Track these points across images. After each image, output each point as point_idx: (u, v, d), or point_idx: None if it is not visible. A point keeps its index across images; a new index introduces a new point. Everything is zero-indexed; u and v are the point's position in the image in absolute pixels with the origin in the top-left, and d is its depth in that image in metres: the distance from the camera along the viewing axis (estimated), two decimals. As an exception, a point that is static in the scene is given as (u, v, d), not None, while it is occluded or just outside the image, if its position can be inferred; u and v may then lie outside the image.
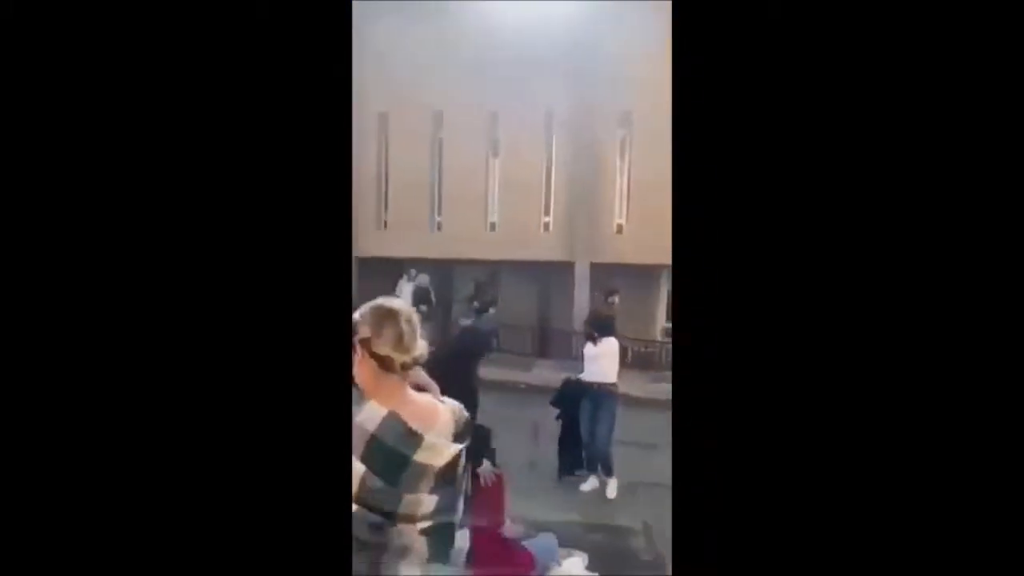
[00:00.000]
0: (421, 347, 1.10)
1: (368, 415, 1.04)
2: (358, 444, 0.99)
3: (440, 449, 1.07)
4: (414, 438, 1.05)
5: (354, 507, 0.98)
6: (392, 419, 1.04)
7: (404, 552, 1.04)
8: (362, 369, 1.05)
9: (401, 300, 1.24)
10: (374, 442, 1.02)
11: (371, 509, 1.01)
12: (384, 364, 1.06)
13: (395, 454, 1.03)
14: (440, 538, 1.09)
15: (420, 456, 1.04)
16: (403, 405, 1.07)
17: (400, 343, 1.07)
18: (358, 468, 0.99)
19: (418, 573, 1.03)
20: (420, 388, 1.20)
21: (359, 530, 0.98)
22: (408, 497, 1.04)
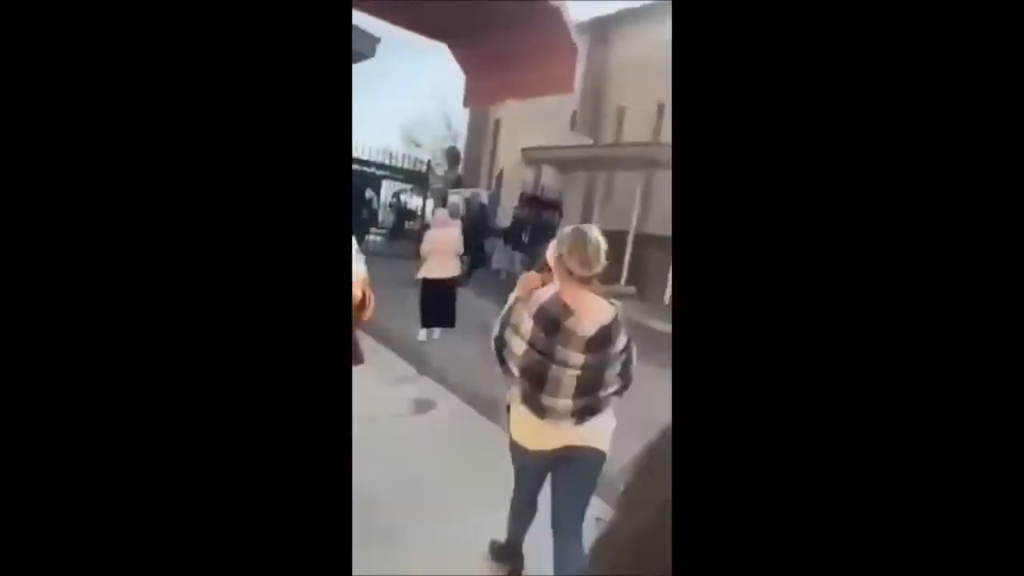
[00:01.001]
0: (601, 265, 1.67)
1: (542, 292, 1.66)
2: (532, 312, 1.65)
3: (584, 324, 1.61)
4: (564, 310, 1.62)
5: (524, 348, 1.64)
6: (556, 298, 1.64)
7: (556, 386, 1.61)
8: (558, 270, 1.66)
9: (593, 227, 1.82)
10: (542, 311, 1.63)
11: (538, 352, 1.61)
12: (572, 275, 1.64)
13: (550, 316, 1.62)
14: (586, 382, 1.63)
15: (568, 323, 1.61)
16: (573, 296, 1.64)
17: (585, 262, 1.64)
18: (529, 325, 1.63)
19: (568, 402, 1.61)
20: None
21: (526, 363, 1.63)
22: (560, 349, 1.61)
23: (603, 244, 1.69)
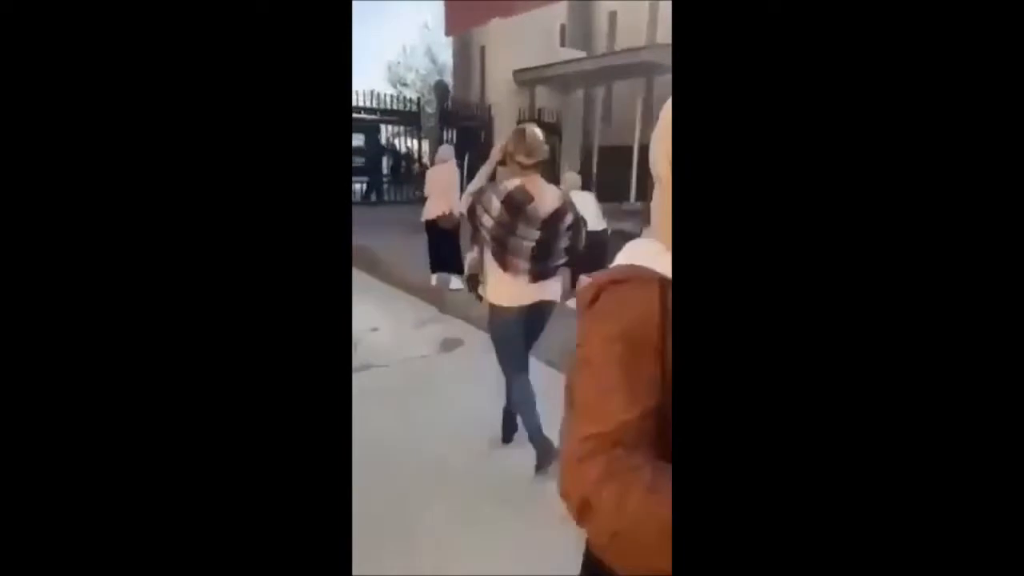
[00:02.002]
0: (543, 153, 2.11)
1: (509, 183, 2.09)
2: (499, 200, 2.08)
3: (540, 208, 2.06)
4: (527, 196, 2.06)
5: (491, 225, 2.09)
6: (521, 188, 2.07)
7: (517, 251, 2.05)
8: (511, 165, 2.10)
9: (531, 124, 2.22)
10: (509, 197, 2.04)
11: (504, 229, 2.04)
12: (522, 166, 2.09)
13: (516, 201, 2.05)
14: (540, 252, 2.08)
15: (529, 208, 2.05)
16: (533, 186, 2.10)
17: (530, 153, 2.08)
18: (497, 206, 2.06)
19: (527, 264, 2.06)
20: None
21: (495, 234, 2.05)
22: (521, 226, 2.05)
23: (540, 135, 2.16)
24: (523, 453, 2.28)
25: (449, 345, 3.84)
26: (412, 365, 3.46)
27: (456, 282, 4.84)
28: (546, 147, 2.14)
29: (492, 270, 2.16)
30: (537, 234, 2.08)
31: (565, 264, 2.22)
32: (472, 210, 2.15)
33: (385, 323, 4.27)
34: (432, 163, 5.77)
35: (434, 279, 5.05)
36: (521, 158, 2.11)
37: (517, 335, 2.23)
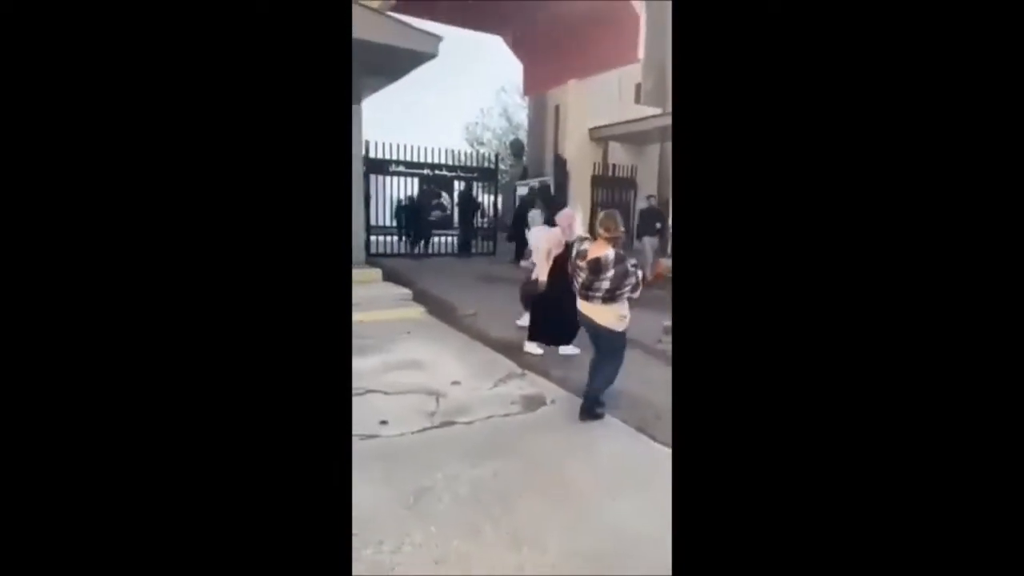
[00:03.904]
0: (619, 230, 3.34)
1: (593, 252, 3.36)
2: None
3: (608, 266, 3.28)
4: (604, 260, 3.29)
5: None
6: (597, 252, 3.34)
7: (596, 292, 3.38)
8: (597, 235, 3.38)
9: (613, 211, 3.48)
10: (593, 261, 3.33)
11: (588, 278, 3.39)
12: (602, 237, 3.32)
13: (595, 264, 3.31)
14: (608, 290, 3.33)
15: (602, 264, 3.30)
16: (602, 250, 3.31)
17: (610, 228, 3.31)
18: (584, 265, 3.40)
19: (601, 294, 3.38)
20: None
21: (583, 282, 3.43)
22: (598, 279, 3.33)
23: (619, 217, 3.39)
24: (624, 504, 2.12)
25: (532, 404, 3.76)
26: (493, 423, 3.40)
27: (533, 347, 4.79)
28: (623, 228, 3.37)
29: (581, 304, 3.54)
30: (608, 282, 3.32)
31: (630, 294, 3.42)
32: (572, 270, 3.56)
33: (468, 375, 4.27)
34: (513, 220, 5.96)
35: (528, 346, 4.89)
36: (603, 232, 3.33)
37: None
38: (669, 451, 3.03)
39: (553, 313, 4.58)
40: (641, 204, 9.99)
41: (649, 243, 8.73)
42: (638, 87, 12.91)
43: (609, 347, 3.46)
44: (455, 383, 4.10)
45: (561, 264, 4.35)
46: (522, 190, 12.47)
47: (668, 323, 3.81)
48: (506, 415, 3.53)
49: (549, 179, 11.91)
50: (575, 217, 4.45)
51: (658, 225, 8.67)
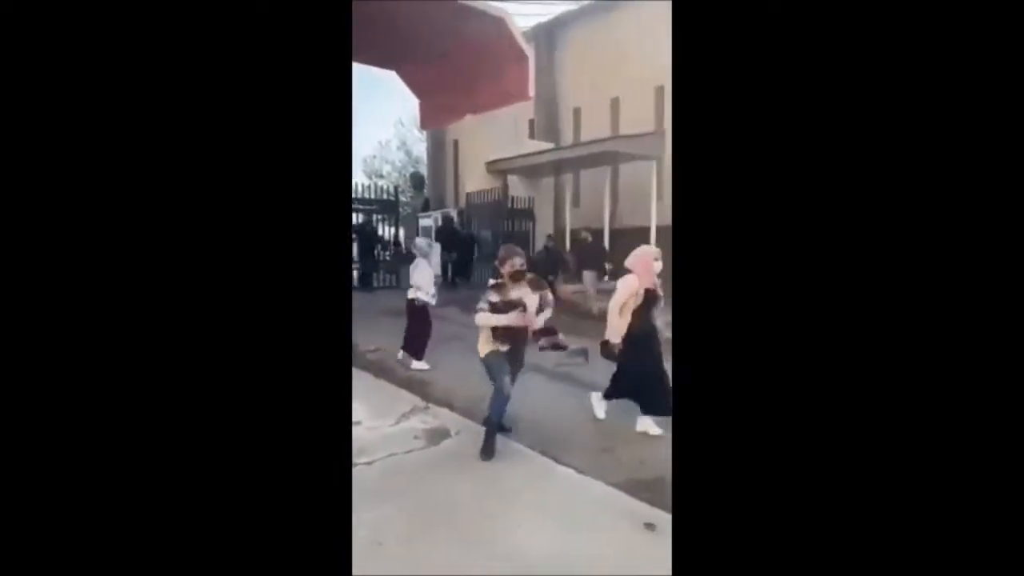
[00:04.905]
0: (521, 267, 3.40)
1: (503, 294, 3.38)
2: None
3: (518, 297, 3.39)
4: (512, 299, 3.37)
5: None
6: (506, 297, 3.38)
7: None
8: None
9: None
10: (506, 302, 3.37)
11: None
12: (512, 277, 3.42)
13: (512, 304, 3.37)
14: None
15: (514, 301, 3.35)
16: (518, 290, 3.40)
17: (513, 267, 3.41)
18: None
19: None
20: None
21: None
22: (513, 315, 3.35)
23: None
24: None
25: (435, 437, 3.71)
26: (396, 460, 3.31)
27: (416, 363, 5.27)
28: (525, 268, 3.41)
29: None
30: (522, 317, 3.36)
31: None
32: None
33: (368, 417, 4.13)
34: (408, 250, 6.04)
35: (400, 355, 5.45)
36: (508, 268, 3.37)
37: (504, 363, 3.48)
38: (571, 471, 3.11)
39: (646, 380, 3.63)
40: (540, 244, 10.22)
41: (588, 277, 8.60)
42: (531, 122, 13.46)
43: (489, 376, 3.45)
44: (356, 423, 3.95)
45: (642, 318, 3.61)
46: (425, 222, 12.42)
47: (573, 346, 3.71)
48: (408, 451, 3.45)
49: (452, 211, 11.98)
50: (652, 256, 3.62)
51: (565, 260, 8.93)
